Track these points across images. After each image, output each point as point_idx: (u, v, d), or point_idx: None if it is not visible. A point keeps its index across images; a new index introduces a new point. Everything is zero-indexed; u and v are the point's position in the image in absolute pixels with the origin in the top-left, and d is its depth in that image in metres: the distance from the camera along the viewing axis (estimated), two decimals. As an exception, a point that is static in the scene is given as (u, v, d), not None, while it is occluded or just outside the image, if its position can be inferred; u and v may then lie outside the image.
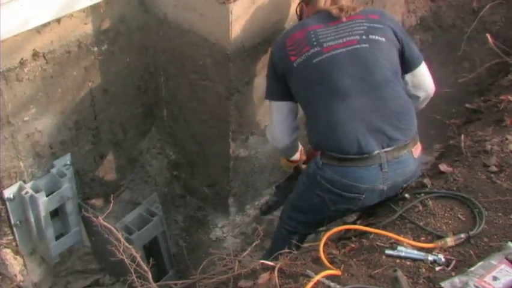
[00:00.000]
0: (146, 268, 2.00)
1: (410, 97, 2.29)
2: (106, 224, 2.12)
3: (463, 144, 2.49)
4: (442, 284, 1.72)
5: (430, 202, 2.14)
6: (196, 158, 3.08)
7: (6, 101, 2.27)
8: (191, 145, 3.04)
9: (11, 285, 2.56)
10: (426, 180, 2.29)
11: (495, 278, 1.69)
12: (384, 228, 2.05)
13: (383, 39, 2.18)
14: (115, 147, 2.91)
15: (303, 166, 2.68)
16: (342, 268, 1.86)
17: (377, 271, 1.83)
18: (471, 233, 1.95)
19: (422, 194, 2.19)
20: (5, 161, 2.39)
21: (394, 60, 2.20)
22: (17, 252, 2.66)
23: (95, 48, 2.53)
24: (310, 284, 1.71)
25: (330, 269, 1.81)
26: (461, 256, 1.89)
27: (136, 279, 1.95)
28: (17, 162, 2.45)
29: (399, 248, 1.91)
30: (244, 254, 2.21)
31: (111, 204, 2.35)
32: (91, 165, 2.83)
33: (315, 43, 2.17)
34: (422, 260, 1.87)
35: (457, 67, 3.66)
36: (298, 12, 2.49)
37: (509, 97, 2.81)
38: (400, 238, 1.94)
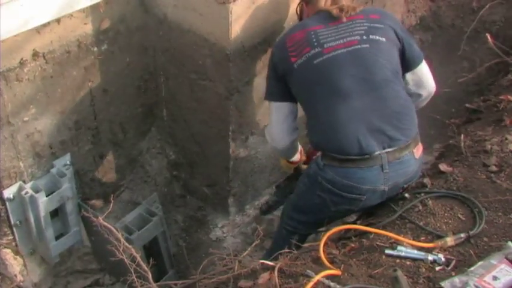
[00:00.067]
0: (146, 268, 2.00)
1: (412, 96, 2.29)
2: (105, 224, 2.12)
3: (462, 144, 2.49)
4: (442, 284, 1.72)
5: (430, 202, 2.14)
6: (196, 158, 3.08)
7: (6, 101, 2.27)
8: (191, 145, 3.04)
9: (11, 285, 2.56)
10: (426, 180, 2.29)
11: (495, 278, 1.69)
12: (384, 228, 2.05)
13: (384, 39, 2.17)
14: (114, 147, 2.91)
15: (304, 166, 2.68)
16: (342, 268, 1.86)
17: (377, 271, 1.83)
18: (471, 232, 1.95)
19: (422, 194, 2.19)
20: (4, 161, 2.39)
21: (395, 60, 2.20)
22: (17, 252, 2.66)
23: (95, 48, 2.53)
24: (310, 284, 1.71)
25: (330, 269, 1.81)
26: (461, 256, 1.89)
27: (136, 279, 1.95)
28: (16, 162, 2.45)
29: (399, 247, 1.91)
30: (244, 254, 2.21)
31: (111, 204, 2.34)
32: (91, 165, 2.83)
33: (315, 44, 2.16)
34: (422, 260, 1.87)
35: (456, 67, 3.65)
36: (298, 12, 2.49)
37: (509, 97, 2.81)
38: (400, 238, 1.94)
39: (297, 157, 2.64)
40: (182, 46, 2.64)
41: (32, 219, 2.55)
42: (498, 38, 3.33)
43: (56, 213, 2.69)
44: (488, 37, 3.10)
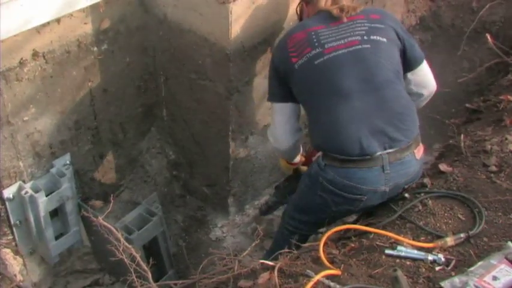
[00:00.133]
0: (146, 268, 2.00)
1: (413, 95, 2.29)
2: (105, 223, 2.12)
3: (462, 144, 2.49)
4: (442, 284, 1.72)
5: (430, 202, 2.14)
6: (195, 158, 3.08)
7: (6, 100, 2.27)
8: (191, 145, 3.04)
9: (10, 285, 2.56)
10: (426, 180, 2.28)
11: (495, 278, 1.69)
12: (384, 228, 2.05)
13: (385, 39, 2.17)
14: (114, 147, 2.91)
15: (303, 168, 2.67)
16: (342, 268, 1.86)
17: (377, 271, 1.83)
18: (471, 232, 1.95)
19: (422, 194, 2.19)
20: (4, 160, 2.39)
21: (395, 60, 2.19)
22: (16, 252, 2.66)
23: (95, 48, 2.53)
24: (310, 283, 1.71)
25: (330, 268, 1.81)
26: (461, 256, 1.89)
27: (135, 279, 1.95)
28: (16, 162, 2.44)
29: (399, 247, 1.91)
30: (244, 254, 2.21)
31: (111, 204, 2.35)
32: (91, 165, 2.83)
33: (316, 44, 2.16)
34: (422, 260, 1.87)
35: (456, 67, 3.65)
36: (298, 12, 2.49)
37: (509, 97, 2.81)
38: (400, 238, 1.94)
39: (297, 158, 2.63)
40: (182, 46, 2.64)
41: (31, 219, 2.55)
42: (498, 38, 3.34)
43: (55, 213, 2.69)
44: (488, 37, 3.10)
